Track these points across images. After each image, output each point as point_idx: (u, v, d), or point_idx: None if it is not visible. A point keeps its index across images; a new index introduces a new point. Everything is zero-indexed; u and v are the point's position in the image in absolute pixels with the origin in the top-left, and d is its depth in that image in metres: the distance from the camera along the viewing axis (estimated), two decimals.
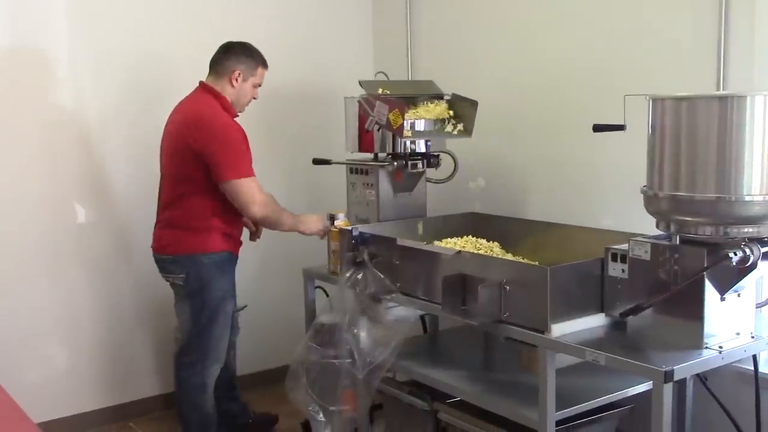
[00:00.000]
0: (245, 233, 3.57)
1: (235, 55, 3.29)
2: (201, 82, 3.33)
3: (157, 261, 3.39)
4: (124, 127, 3.89)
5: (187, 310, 3.34)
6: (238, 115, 3.37)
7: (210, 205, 3.25)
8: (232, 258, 3.38)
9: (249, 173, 3.19)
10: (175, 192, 3.29)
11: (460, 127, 3.37)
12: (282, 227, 3.36)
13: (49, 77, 3.71)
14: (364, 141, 3.47)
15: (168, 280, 3.39)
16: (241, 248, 3.48)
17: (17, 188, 3.66)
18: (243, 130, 3.25)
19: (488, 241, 3.34)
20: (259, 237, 3.66)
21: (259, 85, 3.39)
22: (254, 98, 3.41)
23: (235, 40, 3.39)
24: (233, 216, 3.32)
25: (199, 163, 3.18)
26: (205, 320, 3.30)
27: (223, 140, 3.16)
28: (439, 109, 3.40)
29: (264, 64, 3.37)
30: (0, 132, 3.60)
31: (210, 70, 3.33)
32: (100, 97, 3.84)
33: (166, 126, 3.35)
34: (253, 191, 3.19)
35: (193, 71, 3.43)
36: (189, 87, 3.36)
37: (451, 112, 3.39)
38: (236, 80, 3.28)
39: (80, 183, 3.84)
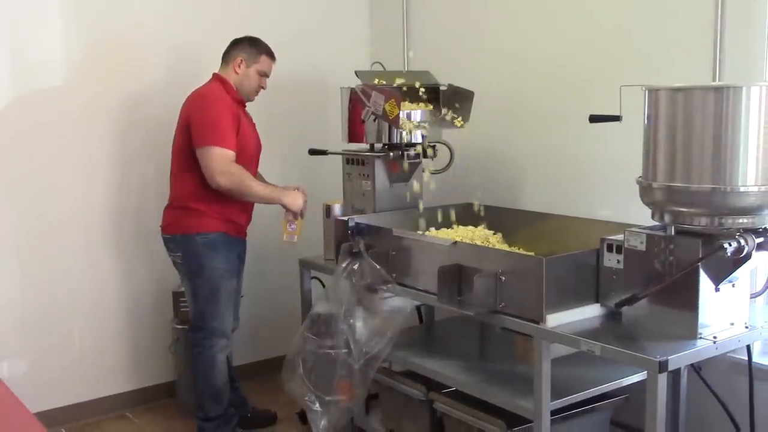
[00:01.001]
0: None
1: (240, 45, 3.48)
2: (213, 73, 3.49)
3: (163, 241, 3.51)
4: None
5: (189, 289, 3.46)
6: (244, 102, 3.50)
7: (203, 185, 3.32)
8: (228, 239, 3.43)
9: (224, 144, 3.25)
10: (174, 172, 3.45)
11: (456, 117, 3.38)
12: (253, 196, 3.37)
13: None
14: (360, 131, 3.47)
15: (171, 259, 3.50)
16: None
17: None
18: (235, 111, 3.36)
19: (490, 229, 3.35)
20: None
21: (265, 74, 3.51)
22: (262, 87, 3.53)
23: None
24: (228, 199, 3.35)
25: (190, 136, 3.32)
26: (205, 298, 3.40)
27: (207, 108, 3.32)
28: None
29: (268, 53, 3.51)
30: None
31: (221, 61, 3.50)
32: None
33: None
34: (222, 160, 3.24)
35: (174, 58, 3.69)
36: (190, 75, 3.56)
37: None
38: (239, 66, 3.43)
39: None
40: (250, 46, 3.46)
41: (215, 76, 3.46)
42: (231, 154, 3.27)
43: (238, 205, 3.44)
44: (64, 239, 3.80)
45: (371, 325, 3.02)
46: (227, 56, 3.47)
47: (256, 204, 3.58)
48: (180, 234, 3.40)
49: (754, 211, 2.28)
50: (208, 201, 3.34)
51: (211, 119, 3.28)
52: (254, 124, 3.59)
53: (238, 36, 3.50)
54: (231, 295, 3.48)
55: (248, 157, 3.44)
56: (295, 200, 3.44)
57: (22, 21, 3.60)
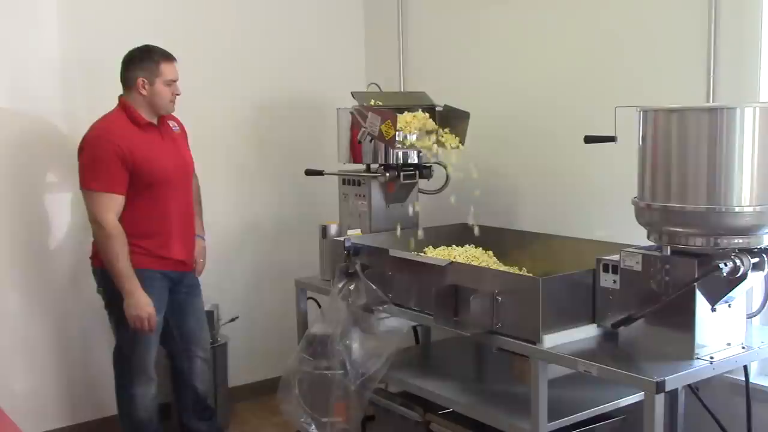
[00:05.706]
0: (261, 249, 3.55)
1: (133, 65, 3.17)
2: (119, 96, 3.24)
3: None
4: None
5: (111, 323, 3.28)
6: (159, 120, 3.24)
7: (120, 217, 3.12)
8: (150, 274, 3.17)
9: (101, 188, 3.05)
10: None
11: (452, 138, 3.39)
12: (108, 265, 3.09)
13: (39, 88, 3.64)
14: (357, 152, 3.48)
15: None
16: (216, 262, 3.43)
17: None
18: (125, 147, 3.06)
19: (485, 250, 3.34)
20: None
21: (174, 81, 3.20)
22: (177, 94, 3.23)
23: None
24: (148, 231, 3.17)
25: None
26: (121, 335, 3.24)
27: (87, 148, 3.11)
28: (429, 123, 3.41)
29: (166, 58, 3.18)
30: None
31: (122, 84, 3.22)
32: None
33: None
34: (98, 207, 3.05)
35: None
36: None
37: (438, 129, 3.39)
38: (144, 88, 3.15)
39: (56, 193, 3.74)
40: (143, 61, 3.14)
41: (120, 102, 3.19)
42: (109, 198, 3.05)
43: (160, 238, 3.20)
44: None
45: (367, 345, 3.01)
46: (125, 80, 3.17)
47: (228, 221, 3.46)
48: (99, 267, 3.18)
49: (750, 231, 2.29)
50: (128, 234, 3.10)
51: (90, 160, 3.08)
52: (182, 136, 3.36)
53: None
54: (151, 336, 3.21)
55: (162, 180, 3.17)
56: (132, 310, 3.08)
57: None
